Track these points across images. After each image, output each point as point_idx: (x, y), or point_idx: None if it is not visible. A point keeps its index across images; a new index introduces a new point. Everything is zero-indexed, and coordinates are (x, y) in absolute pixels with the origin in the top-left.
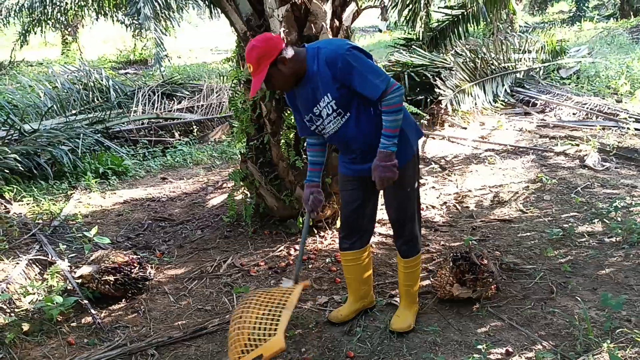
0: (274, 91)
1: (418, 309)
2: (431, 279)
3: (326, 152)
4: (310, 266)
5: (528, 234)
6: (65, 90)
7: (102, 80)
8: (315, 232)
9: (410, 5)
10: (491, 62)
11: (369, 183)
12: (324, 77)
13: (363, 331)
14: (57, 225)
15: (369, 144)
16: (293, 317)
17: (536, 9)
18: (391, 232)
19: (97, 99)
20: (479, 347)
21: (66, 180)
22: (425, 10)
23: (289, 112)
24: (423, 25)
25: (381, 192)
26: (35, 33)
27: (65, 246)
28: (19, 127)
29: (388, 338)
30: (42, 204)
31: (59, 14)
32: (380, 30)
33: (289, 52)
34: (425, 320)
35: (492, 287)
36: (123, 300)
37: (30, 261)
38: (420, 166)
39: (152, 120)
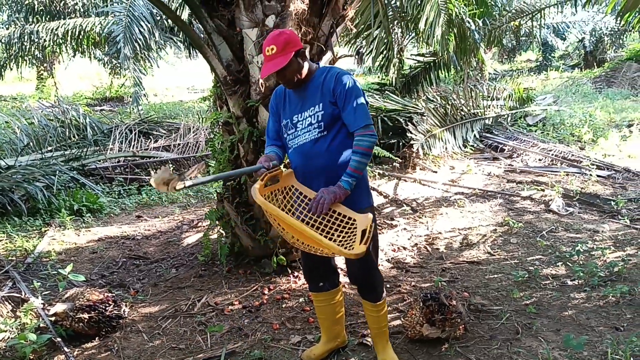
0: (252, 134)
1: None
2: (402, 319)
3: (281, 158)
4: (284, 306)
5: (495, 275)
6: (42, 127)
7: (79, 118)
8: (290, 271)
9: (384, 52)
10: (461, 108)
11: None
12: (327, 86)
13: None
14: (30, 263)
15: (330, 167)
16: (266, 356)
17: (505, 57)
18: None
19: (74, 136)
20: None
21: (40, 217)
22: (398, 57)
23: None
24: (396, 72)
25: None
26: (11, 69)
27: (39, 283)
28: None
29: None
30: (16, 241)
31: (36, 51)
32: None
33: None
34: None
35: (461, 327)
36: (96, 338)
37: (3, 298)
38: (392, 208)
39: (129, 158)
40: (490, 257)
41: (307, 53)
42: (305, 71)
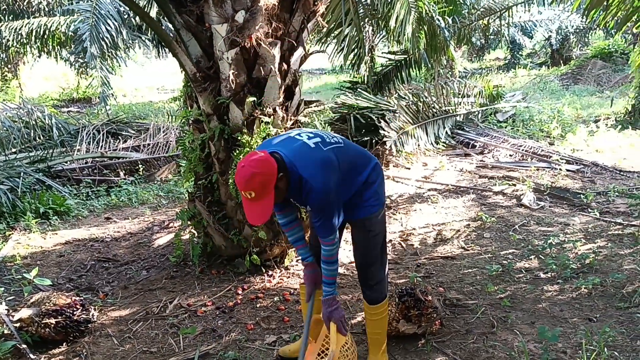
0: (223, 131)
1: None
2: None
3: (302, 226)
4: (258, 305)
5: (470, 270)
6: (5, 128)
7: (44, 119)
8: (264, 270)
9: (355, 50)
10: (432, 105)
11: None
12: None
13: None
14: None
15: None
16: (241, 357)
17: (474, 55)
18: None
19: (39, 137)
20: None
21: (4, 220)
22: (369, 55)
23: (237, 151)
24: (368, 69)
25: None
26: None
27: (2, 288)
28: None
29: None
30: None
31: None
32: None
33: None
34: None
35: (437, 322)
36: (64, 344)
37: None
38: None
39: (97, 159)
40: (464, 252)
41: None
42: (287, 182)
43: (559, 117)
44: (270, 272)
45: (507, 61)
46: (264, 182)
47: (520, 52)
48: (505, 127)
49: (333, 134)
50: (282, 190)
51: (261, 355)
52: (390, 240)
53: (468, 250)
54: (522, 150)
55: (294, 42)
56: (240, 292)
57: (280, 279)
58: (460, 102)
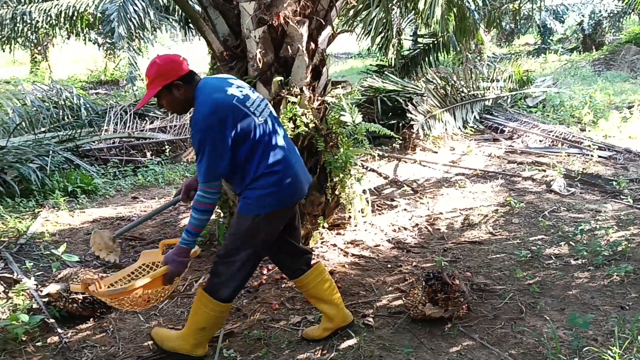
0: None
1: (187, 350)
2: (403, 299)
3: None
4: (283, 286)
5: (497, 255)
6: (35, 108)
7: (73, 99)
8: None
9: (383, 33)
10: (461, 89)
11: None
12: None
13: (336, 351)
14: (23, 243)
15: None
16: (265, 336)
17: (503, 40)
18: (363, 253)
19: (68, 117)
20: None
21: (33, 198)
22: (397, 38)
23: None
24: (395, 53)
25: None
26: (3, 51)
27: (31, 264)
28: None
29: (361, 357)
30: (8, 222)
31: (29, 32)
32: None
33: (187, 81)
34: (398, 340)
35: (464, 306)
36: (91, 319)
37: None
38: (392, 189)
39: (124, 139)
40: (492, 237)
41: (188, 77)
42: (184, 98)
43: (590, 103)
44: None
45: (537, 46)
46: (157, 74)
47: (551, 37)
48: (535, 112)
49: (273, 117)
50: (175, 97)
51: (286, 335)
52: (417, 224)
53: (496, 235)
54: (553, 135)
55: (322, 21)
56: (265, 272)
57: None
58: (489, 87)
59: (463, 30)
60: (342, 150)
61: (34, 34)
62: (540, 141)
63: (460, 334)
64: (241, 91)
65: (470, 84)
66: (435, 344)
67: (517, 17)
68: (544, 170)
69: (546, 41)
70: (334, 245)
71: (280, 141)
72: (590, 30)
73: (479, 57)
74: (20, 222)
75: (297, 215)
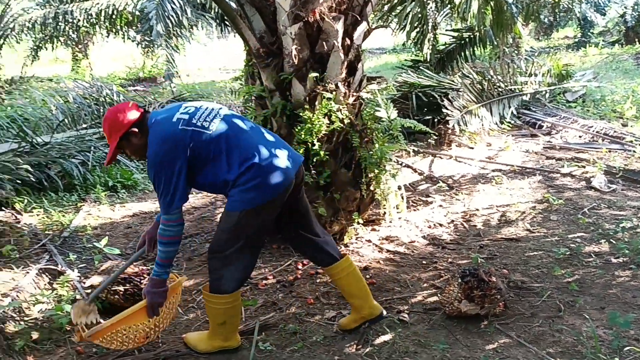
0: (285, 107)
1: (219, 345)
2: (439, 296)
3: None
4: (318, 281)
5: (535, 253)
6: (77, 105)
7: (112, 96)
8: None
9: (419, 27)
10: (498, 84)
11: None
12: None
13: (371, 346)
14: (66, 236)
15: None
16: (301, 330)
17: (542, 34)
18: (398, 249)
19: None
20: None
21: (76, 192)
22: (432, 32)
23: (299, 127)
24: (430, 47)
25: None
26: (46, 49)
27: (75, 256)
28: (30, 140)
29: (396, 353)
30: (52, 215)
31: (70, 31)
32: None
33: (140, 125)
34: (433, 336)
35: (500, 304)
36: None
37: (40, 271)
38: (427, 185)
39: None
40: (529, 234)
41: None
42: (143, 144)
43: (633, 98)
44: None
45: (577, 40)
46: (110, 129)
47: (591, 30)
48: (575, 107)
49: (229, 119)
50: (135, 144)
51: (321, 329)
52: (453, 221)
53: (534, 232)
54: (593, 131)
55: (357, 17)
56: (300, 267)
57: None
58: (527, 82)
59: (500, 24)
60: (377, 146)
61: (75, 33)
62: (579, 137)
63: (497, 331)
64: (188, 112)
65: (508, 78)
66: (471, 341)
67: (557, 10)
68: (584, 167)
69: (586, 34)
70: (369, 241)
71: (244, 137)
72: (634, 22)
73: (516, 51)
74: (63, 215)
75: (302, 201)
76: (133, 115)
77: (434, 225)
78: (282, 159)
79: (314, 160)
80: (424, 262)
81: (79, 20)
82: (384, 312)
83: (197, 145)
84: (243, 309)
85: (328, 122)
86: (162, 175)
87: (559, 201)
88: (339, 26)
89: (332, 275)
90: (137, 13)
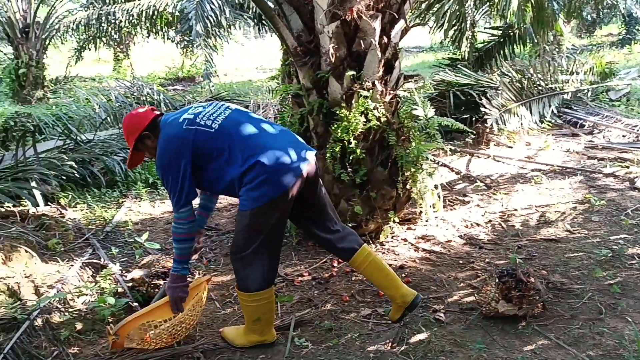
0: (322, 105)
1: (255, 340)
2: (475, 295)
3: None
4: (353, 278)
5: (575, 254)
6: (119, 103)
7: (153, 95)
8: None
9: (457, 25)
10: (538, 82)
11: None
12: None
13: (406, 345)
14: (109, 231)
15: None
16: (336, 327)
17: (584, 31)
18: (434, 249)
19: None
20: None
21: (118, 188)
22: (471, 30)
23: (335, 125)
24: (468, 45)
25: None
26: (89, 49)
27: (117, 250)
28: (75, 137)
29: (432, 352)
30: (95, 211)
31: (113, 31)
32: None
33: (152, 128)
34: (469, 336)
35: (539, 305)
36: None
37: (84, 264)
38: (464, 185)
39: None
40: (569, 235)
41: (149, 135)
42: (157, 146)
43: None
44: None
45: (621, 37)
46: (127, 133)
47: (637, 27)
48: (619, 106)
49: (235, 117)
50: (149, 147)
51: (356, 327)
52: (490, 221)
53: (574, 233)
54: (637, 130)
55: (395, 15)
56: (335, 264)
57: (376, 254)
58: (568, 80)
59: (541, 21)
60: (414, 144)
61: (117, 33)
62: (623, 136)
63: (535, 332)
64: (194, 112)
65: (548, 76)
66: (508, 342)
67: (600, 6)
68: (627, 167)
69: (631, 31)
70: (405, 240)
71: (249, 135)
72: None
73: (557, 49)
74: (106, 211)
75: (318, 197)
76: (146, 119)
77: (471, 224)
78: (288, 155)
79: (350, 158)
80: (461, 261)
81: (120, 21)
82: (419, 297)
83: (200, 143)
84: (279, 305)
85: (365, 120)
86: (169, 174)
87: (601, 202)
88: (377, 24)
89: (356, 269)
90: (177, 13)
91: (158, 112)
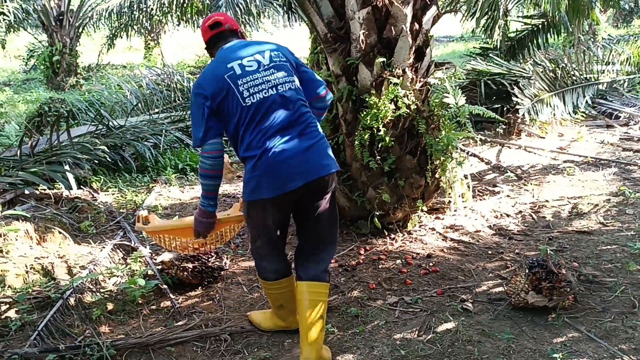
0: (351, 92)
1: (281, 325)
2: (504, 286)
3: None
4: (380, 266)
5: (609, 247)
6: (150, 90)
7: (183, 82)
8: (386, 233)
9: (489, 13)
10: (572, 72)
11: None
12: None
13: (433, 333)
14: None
15: None
16: (362, 314)
17: (621, 20)
18: (463, 238)
19: (179, 99)
20: (555, 356)
21: (148, 173)
22: (503, 19)
23: (365, 112)
24: (501, 34)
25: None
26: (121, 37)
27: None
28: (107, 123)
29: (459, 341)
30: (126, 195)
31: (144, 19)
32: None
33: (209, 47)
34: (497, 327)
35: (570, 297)
36: (199, 287)
37: (115, 246)
38: (494, 175)
39: None
40: (602, 228)
41: None
42: None
43: None
44: (392, 236)
45: None
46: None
47: None
48: None
49: (273, 103)
50: None
51: (383, 314)
52: (520, 212)
53: (607, 226)
54: None
55: (427, 1)
56: (362, 252)
57: (403, 243)
58: (604, 70)
59: (576, 10)
60: (443, 132)
61: (149, 22)
62: None
63: (565, 324)
64: (244, 67)
65: (583, 66)
66: (537, 333)
67: None
68: None
69: None
70: (433, 229)
71: (268, 125)
72: None
73: (592, 39)
74: (136, 195)
75: (317, 210)
76: (208, 33)
77: (501, 215)
78: (286, 169)
79: (379, 146)
80: (490, 252)
81: (152, 9)
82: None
83: (226, 104)
84: None
85: (394, 107)
86: (192, 108)
87: (636, 195)
88: (408, 10)
89: (297, 293)
90: (207, 2)
91: (224, 29)
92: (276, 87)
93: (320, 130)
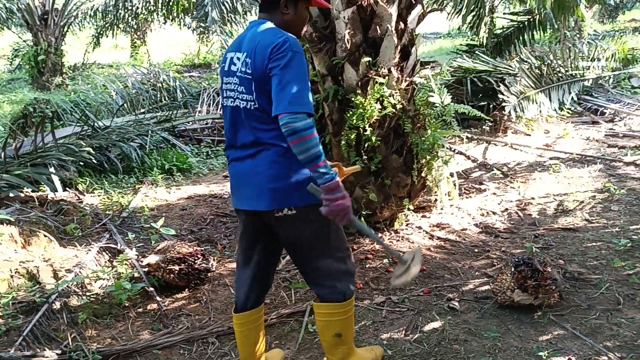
0: (337, 92)
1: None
2: (491, 284)
3: None
4: (367, 266)
5: (594, 243)
6: (135, 90)
7: (169, 82)
8: (374, 232)
9: (475, 11)
10: (558, 69)
11: None
12: None
13: (420, 332)
14: (125, 217)
15: None
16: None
17: (606, 16)
18: (449, 237)
19: (165, 99)
20: (540, 354)
21: (134, 175)
22: (489, 15)
23: (350, 112)
24: (487, 31)
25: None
26: (107, 36)
27: (133, 236)
28: (92, 123)
29: (445, 340)
30: (112, 196)
31: (130, 18)
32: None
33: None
34: (484, 325)
35: (555, 295)
36: (186, 289)
37: (101, 249)
38: (481, 173)
39: (216, 120)
40: (588, 225)
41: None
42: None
43: None
44: (379, 235)
45: None
46: None
47: None
48: None
49: (241, 116)
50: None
51: (370, 314)
52: (506, 209)
53: (592, 222)
54: None
55: (412, 0)
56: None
57: (390, 242)
58: (589, 67)
59: (562, 6)
60: (429, 131)
61: (134, 20)
62: None
63: (551, 322)
64: (231, 65)
65: (568, 63)
66: (523, 331)
67: None
68: None
69: None
70: (419, 227)
71: (232, 134)
72: None
73: (578, 35)
74: (122, 197)
75: (276, 244)
76: None
77: (487, 213)
78: (234, 187)
79: (366, 145)
80: (476, 250)
81: (137, 7)
82: None
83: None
84: (293, 292)
85: (380, 107)
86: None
87: (621, 191)
88: (393, 10)
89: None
90: (193, 0)
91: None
92: (241, 99)
93: (278, 158)
